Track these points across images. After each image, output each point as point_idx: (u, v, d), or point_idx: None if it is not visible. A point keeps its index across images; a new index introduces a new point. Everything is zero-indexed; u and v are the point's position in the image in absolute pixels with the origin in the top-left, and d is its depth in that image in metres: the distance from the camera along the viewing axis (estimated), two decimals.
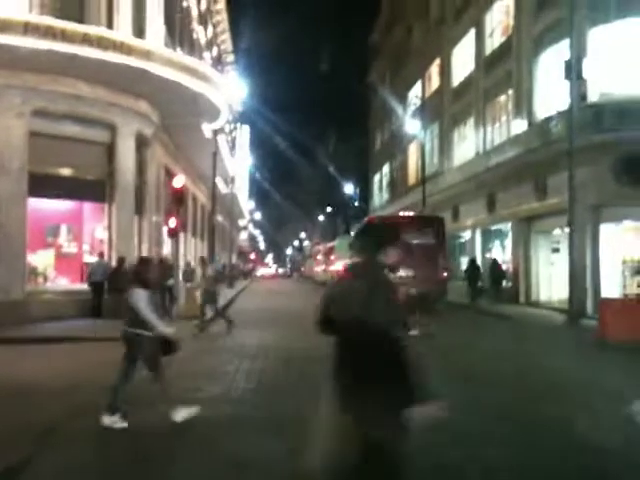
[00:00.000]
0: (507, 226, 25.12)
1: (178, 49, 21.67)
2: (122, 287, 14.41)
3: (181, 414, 6.41)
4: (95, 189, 17.11)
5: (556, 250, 22.20)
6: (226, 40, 42.31)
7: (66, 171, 16.38)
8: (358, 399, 3.14)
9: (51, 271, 16.92)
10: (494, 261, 24.22)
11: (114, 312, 13.63)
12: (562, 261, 19.97)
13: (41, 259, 16.71)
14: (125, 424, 6.24)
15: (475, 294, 23.19)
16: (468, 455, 5.45)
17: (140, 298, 6.41)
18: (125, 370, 6.50)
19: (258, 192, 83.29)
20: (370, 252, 3.41)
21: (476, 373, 9.50)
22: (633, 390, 7.94)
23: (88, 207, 18.17)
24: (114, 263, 16.53)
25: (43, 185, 15.58)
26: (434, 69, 35.53)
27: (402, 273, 20.12)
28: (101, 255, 16.94)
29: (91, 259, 17.51)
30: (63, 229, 17.68)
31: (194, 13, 28.19)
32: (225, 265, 39.71)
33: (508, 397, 7.85)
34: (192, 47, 27.18)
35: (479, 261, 25.60)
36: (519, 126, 23.20)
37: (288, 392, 8.08)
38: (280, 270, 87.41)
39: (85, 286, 16.66)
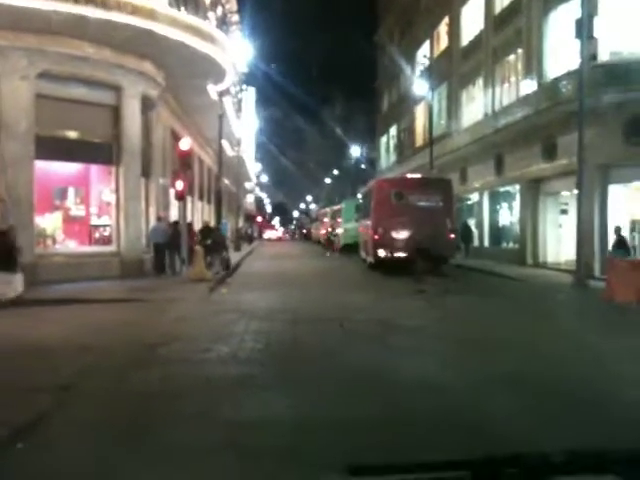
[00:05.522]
0: (515, 188, 25.02)
1: (182, 8, 21.32)
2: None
3: None
4: (102, 151, 17.10)
5: (564, 212, 22.19)
6: None
7: (73, 133, 16.36)
8: None
9: (59, 234, 17.02)
10: (464, 223, 27.79)
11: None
12: (570, 223, 19.94)
13: (49, 222, 16.80)
14: None
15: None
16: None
17: None
18: None
19: (264, 155, 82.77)
20: None
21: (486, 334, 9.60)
22: (629, 350, 7.99)
23: (95, 170, 18.18)
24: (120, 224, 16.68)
25: (50, 148, 15.57)
26: (443, 28, 34.91)
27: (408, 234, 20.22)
28: (159, 218, 18.51)
29: (98, 221, 17.70)
30: (71, 192, 17.74)
31: None
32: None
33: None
34: (196, 7, 26.70)
35: (487, 223, 28.08)
36: (528, 86, 22.88)
37: (295, 352, 8.20)
38: (287, 235, 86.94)
39: (94, 248, 16.87)
